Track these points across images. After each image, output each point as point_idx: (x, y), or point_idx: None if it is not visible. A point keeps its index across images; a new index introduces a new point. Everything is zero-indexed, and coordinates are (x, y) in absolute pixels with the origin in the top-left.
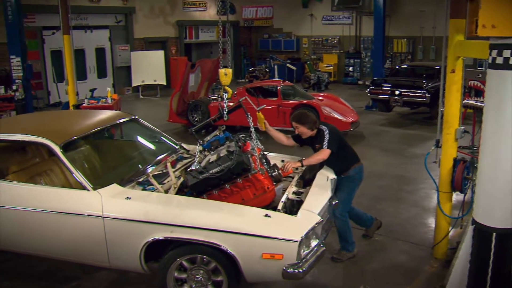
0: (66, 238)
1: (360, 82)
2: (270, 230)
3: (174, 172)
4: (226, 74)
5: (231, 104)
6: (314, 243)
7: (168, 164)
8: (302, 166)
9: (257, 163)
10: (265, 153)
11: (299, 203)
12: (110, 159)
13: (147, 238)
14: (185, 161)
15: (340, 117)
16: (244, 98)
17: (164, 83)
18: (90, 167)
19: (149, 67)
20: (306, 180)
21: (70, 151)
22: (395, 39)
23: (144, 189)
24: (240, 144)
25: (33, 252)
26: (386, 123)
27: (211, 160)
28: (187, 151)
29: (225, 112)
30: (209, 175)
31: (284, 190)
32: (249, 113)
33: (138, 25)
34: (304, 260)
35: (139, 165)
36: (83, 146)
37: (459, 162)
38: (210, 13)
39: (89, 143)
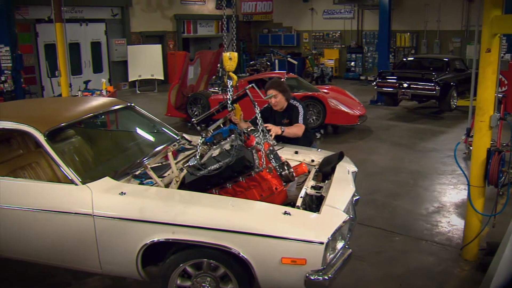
0: (50, 240)
1: (362, 77)
2: (291, 230)
3: (176, 164)
4: (231, 58)
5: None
6: (339, 245)
7: (170, 154)
8: (282, 133)
9: (262, 160)
10: (276, 147)
11: (319, 198)
12: (103, 151)
13: (145, 240)
14: (187, 153)
15: (347, 110)
16: (250, 85)
17: (162, 78)
18: (81, 160)
19: (146, 61)
20: (324, 174)
21: (58, 142)
22: (398, 33)
23: (141, 183)
24: (242, 138)
25: (13, 255)
26: (393, 117)
27: (213, 155)
28: (189, 141)
29: (229, 102)
30: (207, 172)
31: (299, 184)
32: (256, 103)
33: (135, 18)
34: (329, 266)
35: (136, 157)
36: (73, 137)
37: (493, 153)
38: (209, 7)
39: (80, 133)
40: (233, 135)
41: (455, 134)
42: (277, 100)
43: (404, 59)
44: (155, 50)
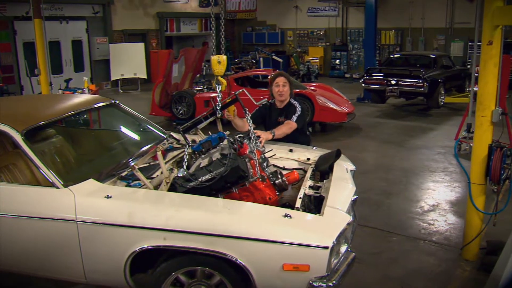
0: (29, 248)
1: (347, 75)
2: (293, 234)
3: (165, 164)
4: (219, 62)
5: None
6: (343, 248)
7: (159, 153)
8: (273, 137)
9: (256, 169)
10: (267, 154)
11: (318, 199)
12: (86, 151)
13: (134, 247)
14: (176, 152)
15: (336, 107)
16: (240, 90)
17: (145, 77)
18: (62, 161)
19: (129, 60)
20: (322, 172)
21: (37, 142)
22: (383, 30)
23: (128, 185)
24: (235, 146)
25: None
26: (381, 115)
27: (201, 165)
28: (178, 140)
29: (218, 107)
30: (198, 183)
31: (295, 184)
32: (247, 108)
33: (117, 16)
34: (334, 271)
35: (122, 157)
36: (54, 137)
37: (495, 149)
38: (192, 5)
39: (61, 133)
40: (222, 143)
41: (444, 131)
42: (285, 89)
43: (391, 56)
44: (137, 49)
